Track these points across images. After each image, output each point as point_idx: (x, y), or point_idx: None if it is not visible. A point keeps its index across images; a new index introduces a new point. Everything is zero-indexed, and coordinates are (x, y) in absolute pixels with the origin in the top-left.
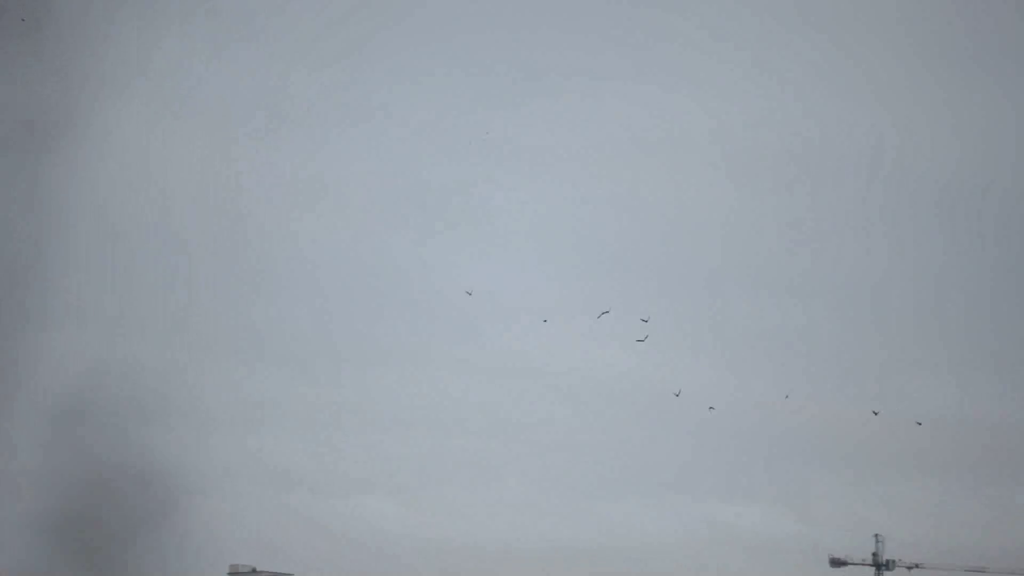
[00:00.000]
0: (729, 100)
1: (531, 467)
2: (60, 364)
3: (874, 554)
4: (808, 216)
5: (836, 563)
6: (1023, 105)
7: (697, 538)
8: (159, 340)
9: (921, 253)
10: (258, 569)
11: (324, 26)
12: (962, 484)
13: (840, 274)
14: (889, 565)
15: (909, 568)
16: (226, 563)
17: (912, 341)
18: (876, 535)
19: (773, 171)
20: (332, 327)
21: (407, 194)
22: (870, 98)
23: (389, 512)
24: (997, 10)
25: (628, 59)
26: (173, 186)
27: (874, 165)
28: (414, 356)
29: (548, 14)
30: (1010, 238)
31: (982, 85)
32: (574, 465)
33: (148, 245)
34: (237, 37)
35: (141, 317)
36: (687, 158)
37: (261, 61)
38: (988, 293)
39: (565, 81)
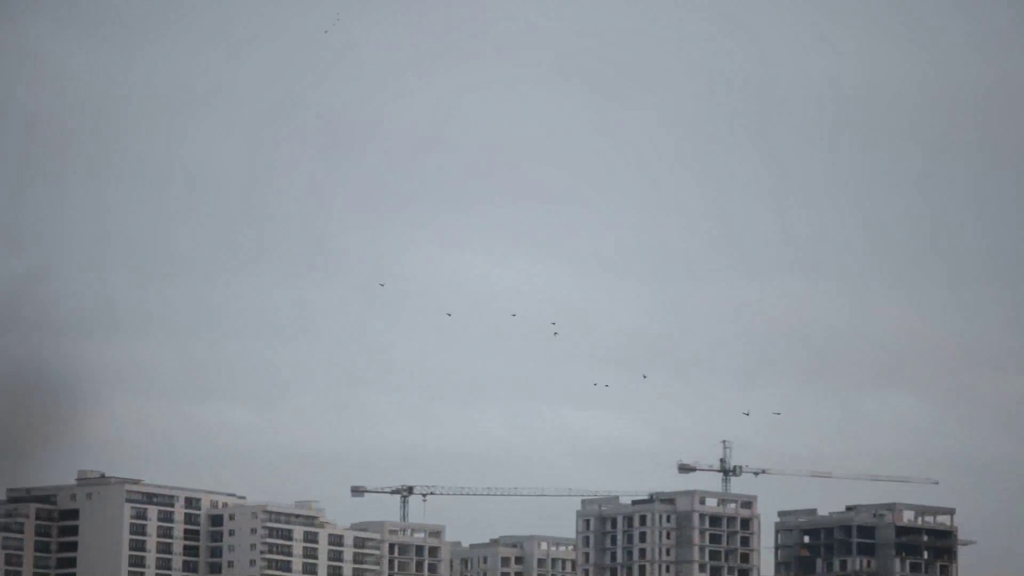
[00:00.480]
0: None
1: (385, 375)
2: None
3: (722, 460)
4: None
5: (685, 469)
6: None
7: (548, 445)
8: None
9: (775, 169)
10: (107, 474)
11: None
12: (809, 391)
13: (690, 189)
14: (736, 471)
15: (756, 474)
16: (75, 469)
17: (762, 251)
18: (724, 442)
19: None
20: (198, 232)
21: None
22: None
23: (245, 419)
24: None
25: None
26: None
27: None
28: (273, 265)
29: None
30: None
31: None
32: (427, 373)
33: None
34: None
35: None
36: None
37: None
38: (833, 207)
39: None
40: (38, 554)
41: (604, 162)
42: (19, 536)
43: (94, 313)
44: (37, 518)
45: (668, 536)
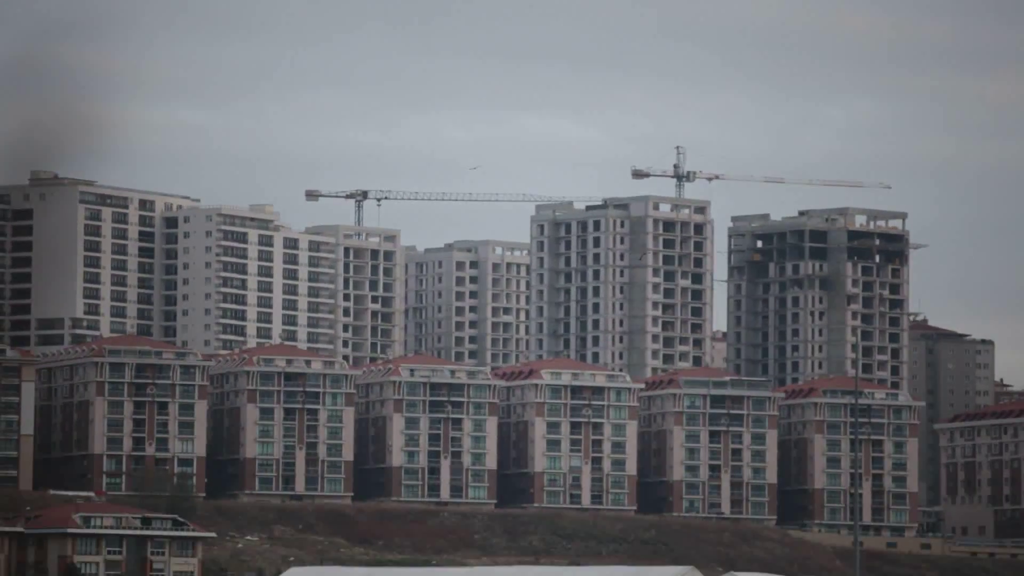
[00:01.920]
0: None
1: (346, 75)
2: None
3: (675, 166)
4: None
5: (638, 175)
6: None
7: (504, 148)
8: None
9: None
10: (60, 176)
11: None
12: (767, 95)
13: None
14: (690, 176)
15: (709, 179)
16: (28, 170)
17: None
18: (678, 147)
19: None
20: None
21: None
22: None
23: (200, 120)
24: None
25: None
26: None
27: None
28: None
29: None
30: None
31: None
32: (386, 77)
33: None
34: None
35: None
36: None
37: None
38: None
39: None
40: None
41: None
42: None
43: (50, 11)
44: None
45: (622, 241)
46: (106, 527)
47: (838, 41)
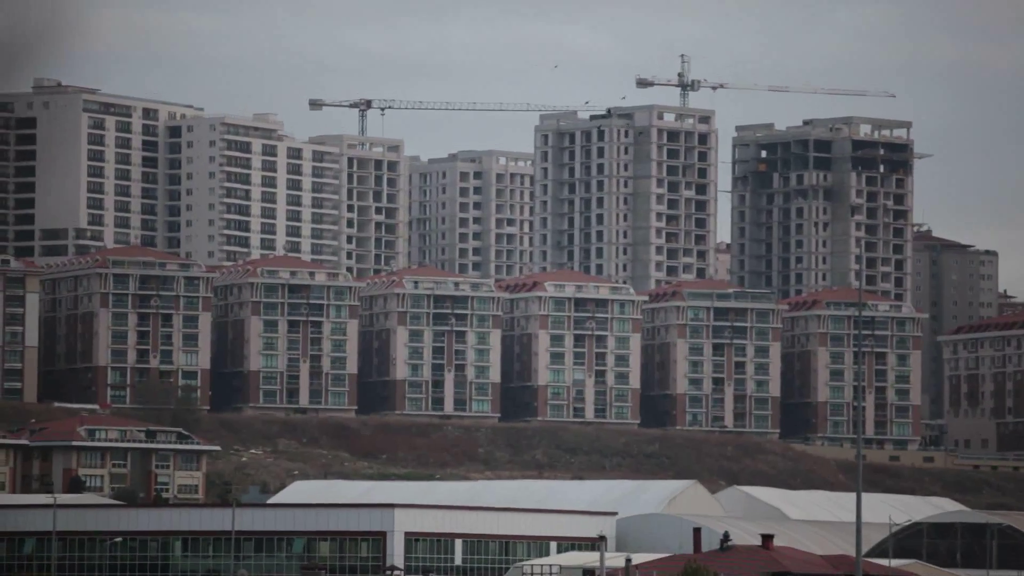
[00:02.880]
0: None
1: None
2: None
3: (679, 74)
4: None
5: (643, 84)
6: None
7: (508, 55)
8: None
9: None
10: (63, 83)
11: None
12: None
13: None
14: (694, 85)
15: (714, 88)
16: (31, 78)
17: None
18: (682, 56)
19: None
20: None
21: None
22: None
23: (208, 27)
24: None
25: None
26: None
27: None
28: None
29: None
30: None
31: None
32: None
33: None
34: None
35: None
36: None
37: None
38: None
39: None
40: None
41: None
42: None
43: None
44: None
45: (626, 151)
46: (110, 440)
47: None
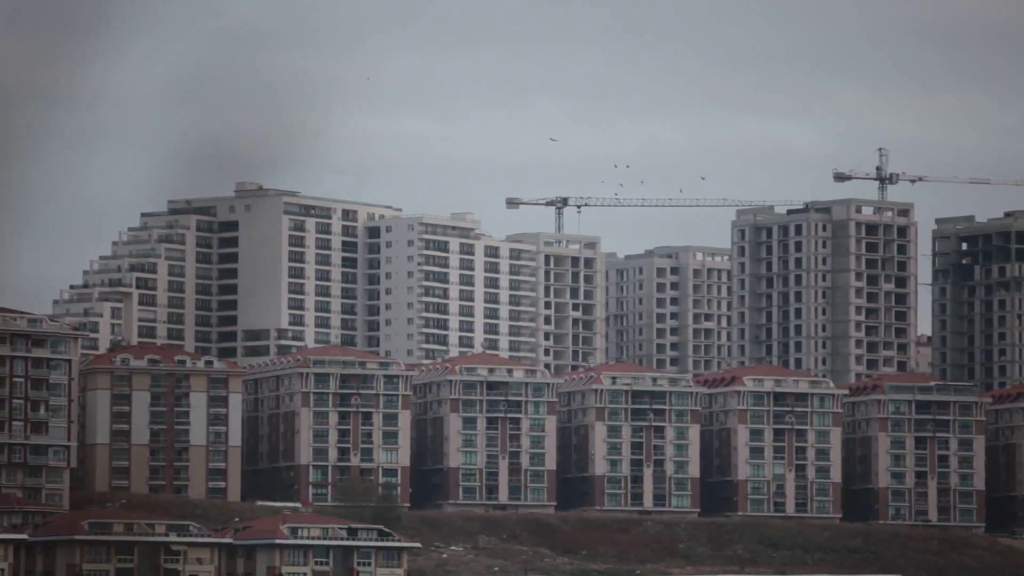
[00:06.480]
0: None
1: (561, 83)
2: None
3: (878, 168)
4: None
5: (840, 177)
6: None
7: (712, 148)
8: None
9: None
10: (264, 186)
11: None
12: (972, 94)
13: None
14: (893, 179)
15: (913, 181)
16: (233, 181)
17: None
18: (880, 149)
19: None
20: None
21: None
22: None
23: (426, 131)
24: None
25: None
26: None
27: None
28: None
29: None
30: None
31: None
32: (603, 82)
33: None
34: None
35: None
36: None
37: None
38: None
39: None
40: (199, 265)
41: None
42: (181, 247)
43: (263, 20)
44: (197, 230)
45: (824, 245)
46: (313, 538)
47: None
